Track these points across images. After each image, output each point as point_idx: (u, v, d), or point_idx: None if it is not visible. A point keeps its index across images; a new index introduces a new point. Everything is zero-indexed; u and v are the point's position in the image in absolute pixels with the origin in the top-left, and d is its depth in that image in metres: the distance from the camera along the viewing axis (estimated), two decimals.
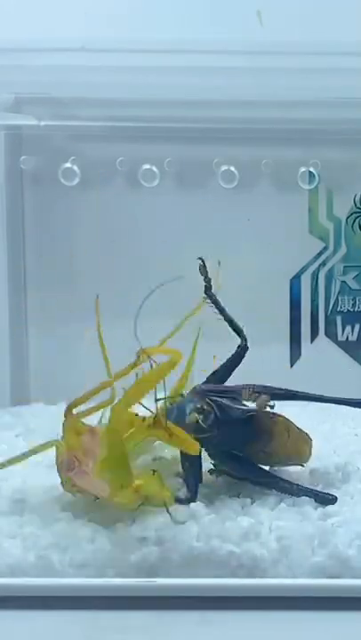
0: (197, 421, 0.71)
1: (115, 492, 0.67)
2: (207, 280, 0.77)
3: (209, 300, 0.76)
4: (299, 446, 0.76)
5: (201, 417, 0.71)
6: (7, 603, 0.64)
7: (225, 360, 0.76)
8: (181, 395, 0.74)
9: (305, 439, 0.76)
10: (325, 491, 0.73)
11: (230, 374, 0.76)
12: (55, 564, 0.65)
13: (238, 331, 0.76)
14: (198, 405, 0.72)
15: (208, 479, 0.74)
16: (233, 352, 0.76)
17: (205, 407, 0.72)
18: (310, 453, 0.77)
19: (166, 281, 0.73)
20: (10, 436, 0.87)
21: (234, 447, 0.72)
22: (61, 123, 0.92)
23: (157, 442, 0.74)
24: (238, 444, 0.72)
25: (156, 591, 0.65)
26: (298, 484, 0.73)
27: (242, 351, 0.76)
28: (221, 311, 0.76)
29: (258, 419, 0.74)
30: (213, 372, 0.76)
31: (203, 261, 0.76)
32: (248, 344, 0.76)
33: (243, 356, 0.76)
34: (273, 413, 0.75)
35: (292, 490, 0.72)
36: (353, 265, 1.00)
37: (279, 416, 0.75)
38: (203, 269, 0.77)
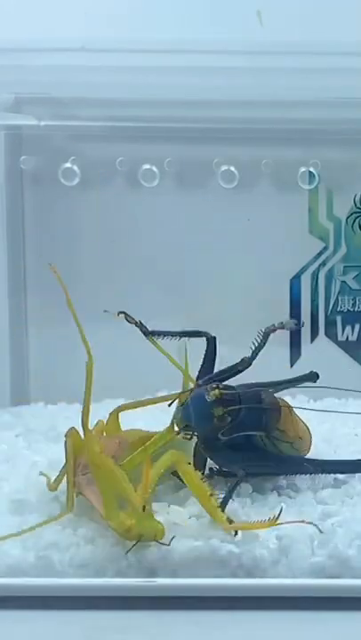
0: (221, 396, 0.71)
1: (109, 515, 0.66)
2: (139, 325, 0.77)
3: (156, 337, 0.77)
4: (301, 428, 0.76)
5: (222, 392, 0.71)
6: (7, 603, 0.64)
7: (202, 359, 0.77)
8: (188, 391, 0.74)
9: (303, 423, 0.77)
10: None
11: (213, 369, 0.76)
12: (55, 564, 0.65)
13: (194, 333, 0.77)
14: (215, 385, 0.72)
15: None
16: (205, 349, 0.77)
17: (220, 385, 0.72)
18: (311, 440, 0.77)
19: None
20: (10, 436, 0.87)
21: (256, 424, 0.72)
22: (61, 123, 0.92)
23: None
24: (259, 420, 0.73)
25: (156, 591, 0.65)
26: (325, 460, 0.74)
27: (211, 343, 0.76)
28: (171, 334, 0.77)
29: (267, 395, 0.74)
30: (198, 374, 0.76)
31: (124, 313, 0.77)
32: (211, 334, 0.76)
33: (215, 346, 0.76)
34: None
35: (325, 467, 0.74)
36: (353, 265, 1.00)
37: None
38: (129, 319, 0.77)
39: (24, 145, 0.96)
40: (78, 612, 0.64)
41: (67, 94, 0.92)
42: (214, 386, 0.72)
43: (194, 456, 0.73)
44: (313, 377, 0.80)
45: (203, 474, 0.72)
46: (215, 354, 0.76)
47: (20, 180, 0.98)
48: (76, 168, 0.93)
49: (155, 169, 0.94)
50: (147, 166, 0.94)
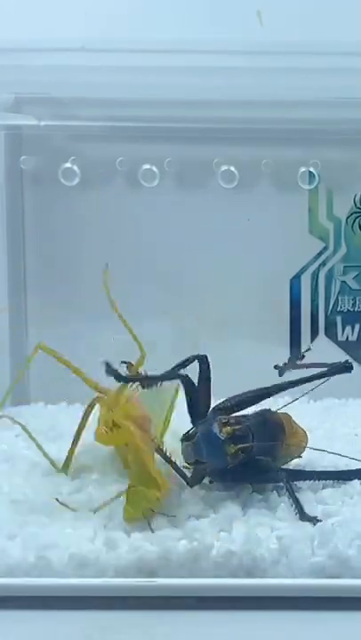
0: (234, 432, 0.70)
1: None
2: (117, 376, 0.72)
3: (140, 385, 0.72)
4: (300, 434, 0.76)
5: (234, 428, 0.70)
6: (7, 603, 0.64)
7: (197, 382, 0.75)
8: (192, 431, 0.74)
9: (300, 428, 0.77)
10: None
11: (210, 389, 0.75)
12: (55, 564, 0.65)
13: (185, 363, 0.74)
14: (224, 420, 0.71)
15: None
16: (199, 371, 0.75)
17: (229, 419, 0.72)
18: (307, 441, 0.77)
19: None
20: (10, 436, 0.87)
21: (263, 450, 0.72)
22: (61, 123, 0.92)
23: None
24: (266, 445, 0.72)
25: (156, 591, 0.65)
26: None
27: (204, 363, 0.74)
28: (166, 377, 0.73)
29: (270, 415, 0.74)
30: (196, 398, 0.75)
31: (106, 364, 0.71)
32: (200, 354, 0.74)
33: (208, 365, 0.74)
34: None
35: (328, 476, 0.74)
36: (353, 265, 1.00)
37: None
38: (110, 370, 0.71)
39: (24, 145, 0.96)
40: (78, 612, 0.64)
41: (67, 94, 0.92)
42: (224, 421, 0.71)
43: (193, 471, 0.73)
44: (348, 367, 0.78)
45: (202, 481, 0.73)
46: (209, 373, 0.75)
47: (20, 180, 0.98)
48: (76, 168, 0.93)
49: (155, 169, 0.94)
50: (147, 166, 0.94)
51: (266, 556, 0.65)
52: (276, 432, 0.73)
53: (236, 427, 0.70)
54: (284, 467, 0.74)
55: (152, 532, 0.66)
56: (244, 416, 0.73)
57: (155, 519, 0.67)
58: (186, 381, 0.73)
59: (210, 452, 0.70)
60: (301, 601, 0.64)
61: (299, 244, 0.99)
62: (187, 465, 0.72)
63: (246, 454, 0.70)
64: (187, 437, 0.72)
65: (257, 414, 0.74)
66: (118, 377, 0.71)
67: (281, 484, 0.72)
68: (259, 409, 0.75)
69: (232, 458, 0.70)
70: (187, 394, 0.74)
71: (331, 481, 0.75)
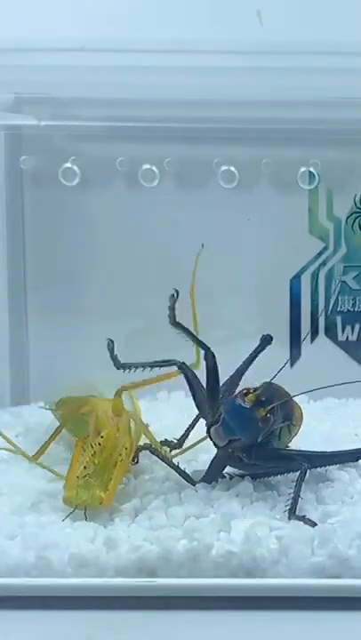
0: (257, 398, 0.70)
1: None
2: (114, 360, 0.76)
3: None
4: (299, 410, 0.76)
5: (256, 394, 0.71)
6: (7, 603, 0.64)
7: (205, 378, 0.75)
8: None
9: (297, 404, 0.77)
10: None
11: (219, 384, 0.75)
12: (55, 564, 0.65)
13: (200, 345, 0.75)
14: (244, 391, 0.71)
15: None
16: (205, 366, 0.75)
17: (248, 390, 0.72)
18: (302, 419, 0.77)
19: None
20: (10, 436, 0.87)
21: (287, 417, 0.73)
22: (61, 123, 0.92)
23: None
24: (288, 413, 0.73)
25: (156, 591, 0.65)
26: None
27: (210, 360, 0.75)
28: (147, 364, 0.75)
29: (276, 386, 0.74)
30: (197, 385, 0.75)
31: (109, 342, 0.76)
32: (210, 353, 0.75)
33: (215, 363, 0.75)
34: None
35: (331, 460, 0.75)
36: (353, 265, 1.00)
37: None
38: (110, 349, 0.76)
39: (24, 145, 0.96)
40: (78, 612, 0.64)
41: (67, 94, 0.92)
42: (244, 392, 0.71)
43: (211, 463, 0.73)
44: (268, 339, 0.79)
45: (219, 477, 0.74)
46: (216, 370, 0.75)
47: (20, 180, 0.98)
48: (76, 168, 0.93)
49: (155, 169, 0.94)
50: (147, 166, 0.94)
51: (266, 555, 0.65)
52: (288, 402, 0.74)
53: (257, 392, 0.71)
54: (298, 451, 0.75)
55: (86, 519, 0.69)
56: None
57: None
58: (184, 368, 0.74)
59: (240, 424, 0.70)
60: (301, 601, 0.64)
61: (299, 244, 0.99)
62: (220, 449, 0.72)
63: (274, 417, 0.71)
64: (211, 422, 0.72)
65: (265, 384, 0.74)
66: (115, 361, 0.74)
67: (281, 480, 0.73)
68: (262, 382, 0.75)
69: (263, 422, 0.70)
70: (188, 382, 0.75)
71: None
